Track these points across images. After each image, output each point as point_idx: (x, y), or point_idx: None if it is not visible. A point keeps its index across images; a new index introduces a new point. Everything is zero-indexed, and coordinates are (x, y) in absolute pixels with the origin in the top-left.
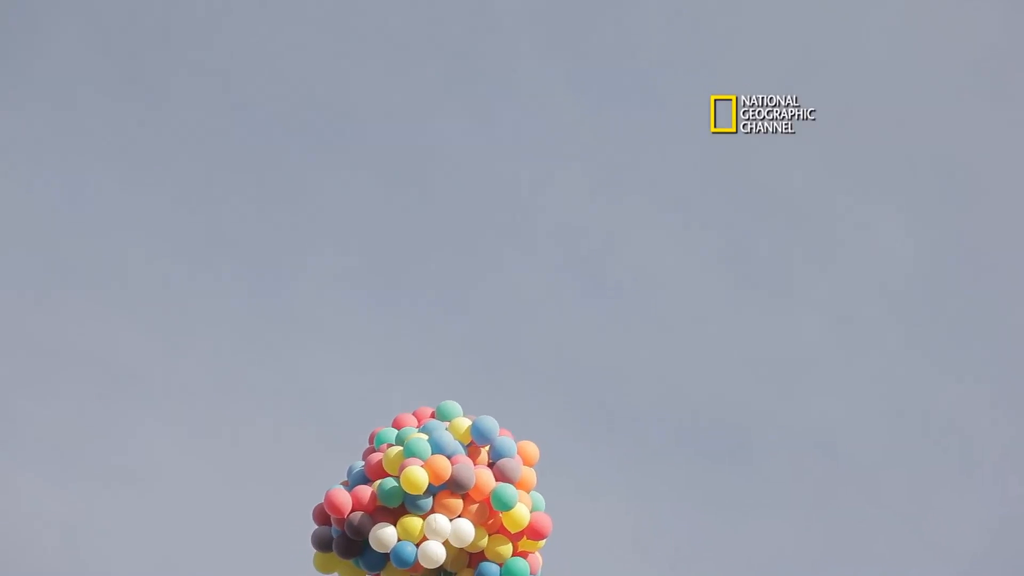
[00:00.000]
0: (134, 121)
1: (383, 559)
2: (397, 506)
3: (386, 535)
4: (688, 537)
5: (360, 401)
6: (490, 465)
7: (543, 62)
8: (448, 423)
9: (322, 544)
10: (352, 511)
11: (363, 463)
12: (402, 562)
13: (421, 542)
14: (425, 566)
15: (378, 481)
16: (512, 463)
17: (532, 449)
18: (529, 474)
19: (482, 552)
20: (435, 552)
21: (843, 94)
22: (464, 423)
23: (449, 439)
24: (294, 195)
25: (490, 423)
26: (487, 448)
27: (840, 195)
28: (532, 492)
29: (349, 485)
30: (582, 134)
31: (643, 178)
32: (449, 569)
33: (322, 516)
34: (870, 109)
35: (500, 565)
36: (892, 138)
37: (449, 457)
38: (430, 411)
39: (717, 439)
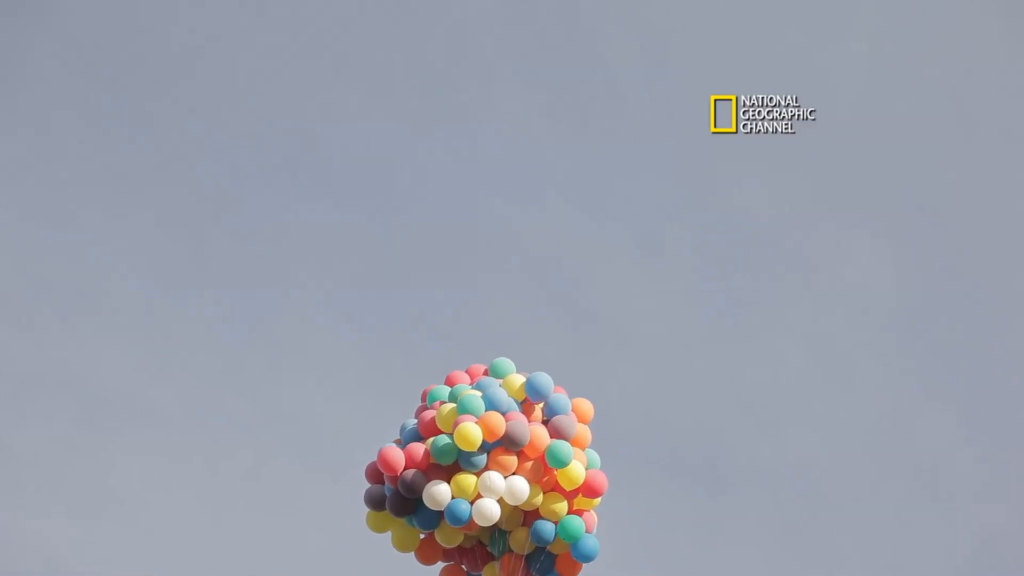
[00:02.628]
0: (117, 150)
1: (437, 517)
2: (451, 463)
3: (440, 492)
4: (668, 562)
5: (340, 427)
6: (545, 422)
7: (523, 88)
8: (502, 380)
9: (375, 503)
10: (405, 468)
11: (416, 420)
12: (456, 520)
13: (475, 499)
14: (479, 524)
15: (431, 438)
16: (567, 420)
17: (587, 406)
18: (584, 431)
19: (537, 510)
20: (490, 510)
21: (843, 94)
22: (518, 379)
23: (503, 396)
24: (276, 224)
25: (545, 379)
26: (541, 405)
27: (820, 223)
28: (587, 449)
29: (402, 443)
30: (560, 162)
31: (619, 209)
32: (504, 527)
33: (375, 474)
34: (869, 111)
35: (555, 523)
36: (876, 159)
37: (503, 414)
38: (483, 368)
39: (696, 468)
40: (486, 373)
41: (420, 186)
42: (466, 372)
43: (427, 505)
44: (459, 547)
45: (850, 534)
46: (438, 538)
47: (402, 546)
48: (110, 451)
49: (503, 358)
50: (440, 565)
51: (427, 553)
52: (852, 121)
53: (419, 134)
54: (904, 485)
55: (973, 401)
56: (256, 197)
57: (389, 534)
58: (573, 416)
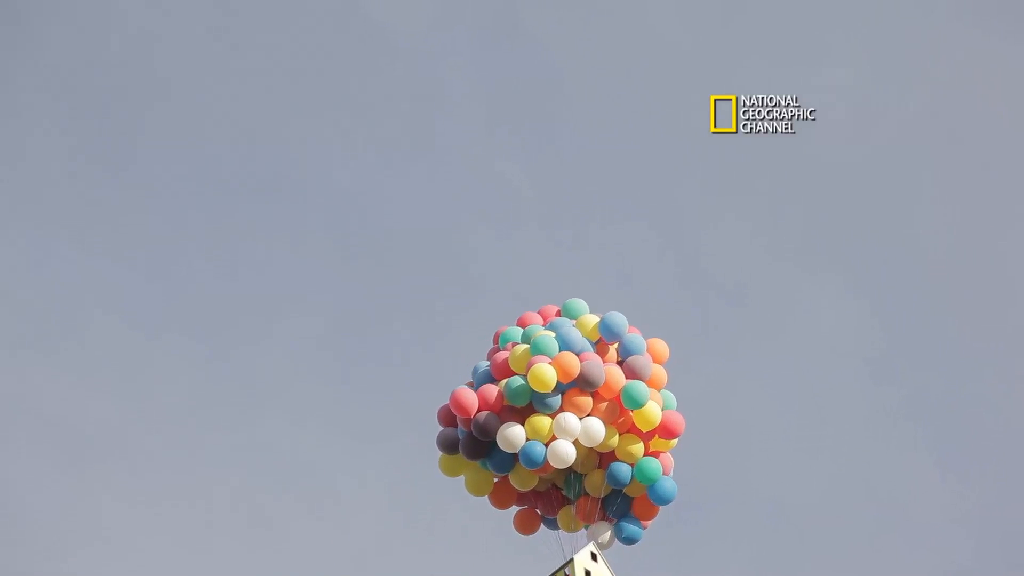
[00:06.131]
0: (97, 191)
1: (511, 460)
2: (525, 405)
3: (514, 435)
4: None
5: (322, 467)
6: (620, 362)
7: (499, 131)
8: (575, 320)
9: (448, 446)
10: (478, 411)
11: (488, 362)
12: (531, 462)
13: (550, 442)
14: (555, 466)
15: (505, 380)
16: (642, 360)
17: (662, 347)
18: (659, 372)
19: (612, 452)
20: (565, 452)
21: (843, 94)
22: (592, 319)
23: (577, 336)
24: (257, 264)
25: (619, 319)
26: (616, 345)
27: (793, 267)
28: (663, 390)
29: (475, 385)
30: (537, 202)
31: (595, 250)
32: (579, 470)
33: (448, 417)
34: (868, 113)
35: (632, 465)
36: (855, 201)
37: (578, 354)
38: (556, 309)
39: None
40: (559, 314)
41: (397, 225)
42: (538, 313)
43: (501, 447)
44: (534, 490)
45: (825, 570)
46: (512, 481)
47: (476, 490)
48: (94, 490)
49: (576, 299)
50: (515, 509)
51: (501, 497)
52: (851, 123)
53: (398, 172)
54: (879, 521)
55: (945, 439)
56: (236, 236)
57: (462, 478)
58: (648, 356)
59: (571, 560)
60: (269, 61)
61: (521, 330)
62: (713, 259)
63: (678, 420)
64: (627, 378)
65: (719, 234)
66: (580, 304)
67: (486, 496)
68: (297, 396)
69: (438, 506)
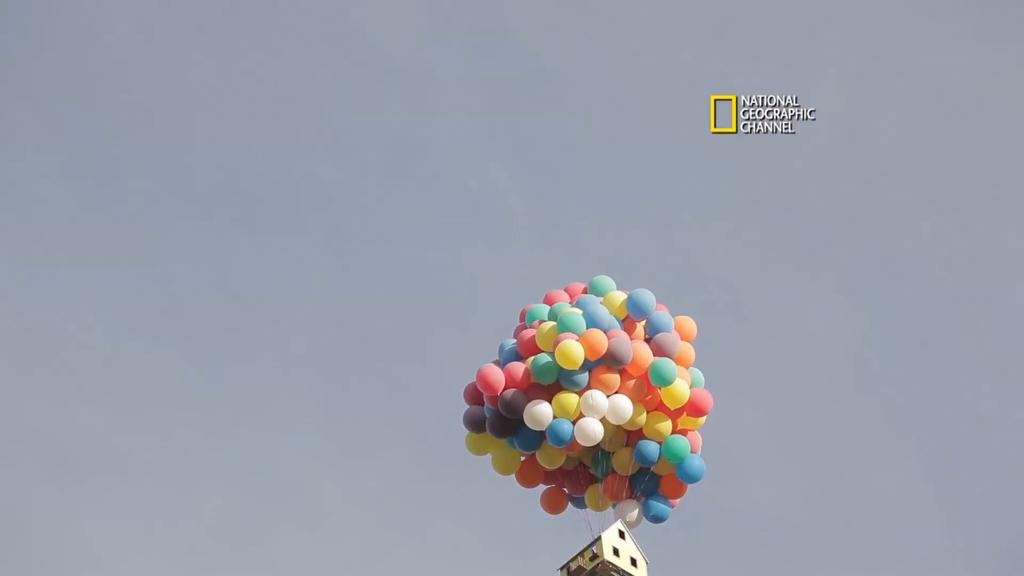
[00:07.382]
0: (84, 201)
1: (538, 438)
2: (552, 382)
3: (541, 412)
4: None
5: (312, 478)
6: (647, 339)
7: (495, 132)
8: (602, 297)
9: (475, 424)
10: (505, 388)
11: (515, 340)
12: (558, 440)
13: (577, 419)
14: (582, 444)
15: (531, 357)
16: (670, 337)
17: (690, 324)
18: (687, 349)
19: (640, 430)
20: (592, 429)
21: (843, 94)
22: (619, 297)
23: (604, 313)
24: (246, 277)
25: (647, 296)
26: (643, 322)
27: (778, 279)
28: (691, 368)
29: (501, 362)
30: (530, 207)
31: (587, 254)
32: (606, 448)
33: (474, 395)
34: (868, 114)
35: (659, 443)
36: (845, 210)
37: (605, 331)
38: (582, 286)
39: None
40: (586, 291)
41: (389, 236)
42: (565, 290)
43: (528, 425)
44: (561, 469)
45: None
46: (540, 459)
47: (503, 468)
48: (83, 502)
49: (603, 276)
50: (542, 488)
51: (528, 475)
52: (852, 121)
53: (389, 183)
54: (865, 538)
55: (933, 456)
56: (227, 246)
57: (489, 456)
58: (676, 334)
59: (599, 538)
60: (260, 68)
61: (548, 307)
62: (712, 261)
63: (706, 398)
64: (655, 355)
65: (719, 235)
66: (607, 281)
67: (513, 475)
68: (288, 408)
69: (428, 518)
